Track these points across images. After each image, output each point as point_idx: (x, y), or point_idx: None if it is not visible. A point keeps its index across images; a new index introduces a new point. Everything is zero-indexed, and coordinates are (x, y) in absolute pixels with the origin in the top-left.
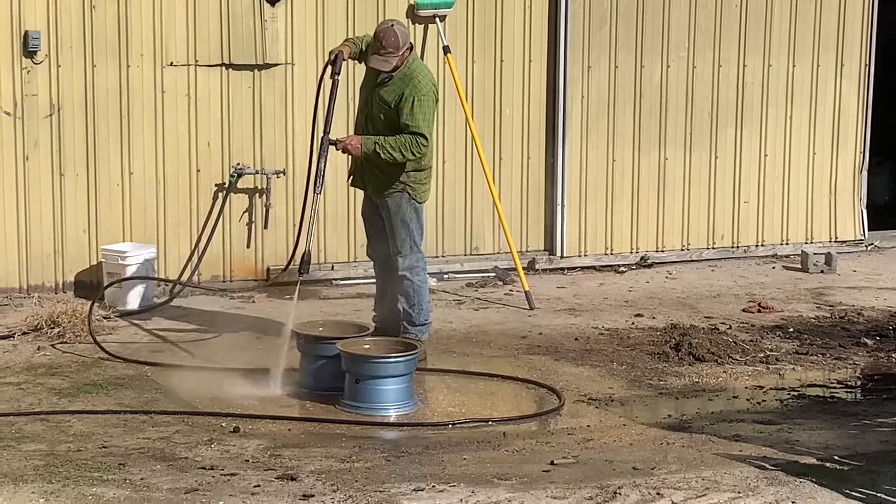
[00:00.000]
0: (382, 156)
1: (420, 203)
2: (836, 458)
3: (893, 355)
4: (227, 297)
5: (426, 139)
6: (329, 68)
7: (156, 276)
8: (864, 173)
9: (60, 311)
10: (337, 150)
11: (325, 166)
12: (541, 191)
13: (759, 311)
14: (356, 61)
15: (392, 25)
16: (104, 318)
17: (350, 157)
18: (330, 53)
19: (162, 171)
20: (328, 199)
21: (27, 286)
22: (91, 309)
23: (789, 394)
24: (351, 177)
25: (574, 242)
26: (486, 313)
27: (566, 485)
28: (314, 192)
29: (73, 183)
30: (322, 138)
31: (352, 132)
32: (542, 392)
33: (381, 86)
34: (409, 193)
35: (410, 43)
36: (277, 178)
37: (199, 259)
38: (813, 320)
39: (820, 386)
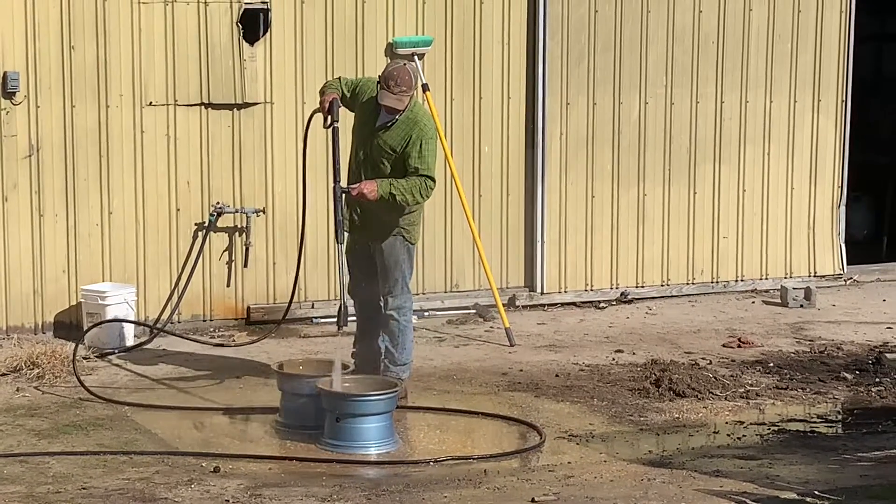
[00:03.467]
0: (398, 198)
1: (413, 244)
2: (816, 492)
3: (873, 389)
4: (207, 335)
5: (434, 182)
6: (327, 118)
7: (135, 315)
8: (843, 208)
9: (40, 351)
10: (352, 196)
11: (343, 216)
12: (520, 227)
13: (739, 346)
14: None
15: (404, 64)
16: (84, 358)
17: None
18: (322, 103)
19: (142, 211)
20: (308, 237)
21: (6, 327)
22: (76, 350)
23: (769, 429)
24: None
25: (554, 279)
26: (466, 350)
27: None
28: (337, 242)
29: (52, 223)
30: (334, 188)
31: (343, 177)
32: (522, 429)
33: (383, 130)
34: (403, 236)
35: None
36: (257, 216)
37: (179, 298)
38: (793, 355)
39: (800, 420)
